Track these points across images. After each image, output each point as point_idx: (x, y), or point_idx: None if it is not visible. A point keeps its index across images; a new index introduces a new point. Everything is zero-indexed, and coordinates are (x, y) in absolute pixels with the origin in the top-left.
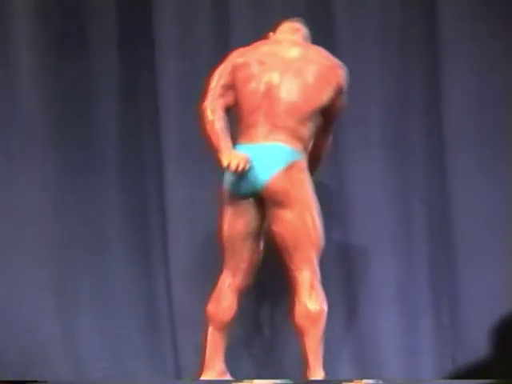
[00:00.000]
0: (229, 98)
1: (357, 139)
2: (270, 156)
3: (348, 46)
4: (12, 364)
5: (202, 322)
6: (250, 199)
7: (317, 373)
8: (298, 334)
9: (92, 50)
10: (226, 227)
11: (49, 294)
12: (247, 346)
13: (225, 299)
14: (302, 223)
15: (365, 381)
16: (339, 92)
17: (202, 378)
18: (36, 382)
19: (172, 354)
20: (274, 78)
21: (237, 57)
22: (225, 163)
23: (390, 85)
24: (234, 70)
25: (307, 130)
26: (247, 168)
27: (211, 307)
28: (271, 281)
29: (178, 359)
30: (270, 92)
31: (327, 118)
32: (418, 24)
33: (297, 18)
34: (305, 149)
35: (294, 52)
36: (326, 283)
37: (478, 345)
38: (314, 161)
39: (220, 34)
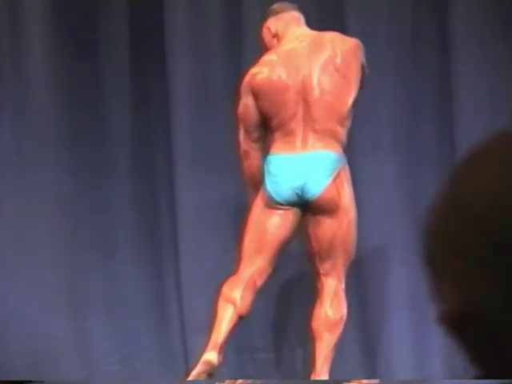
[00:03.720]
0: (262, 131)
1: (368, 142)
2: (317, 167)
3: None
4: (23, 366)
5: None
6: (294, 207)
7: (321, 378)
8: (312, 338)
9: (104, 53)
10: (262, 230)
11: (60, 296)
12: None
13: (246, 291)
14: (341, 230)
15: (365, 381)
16: (363, 67)
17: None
18: (31, 381)
19: (182, 356)
20: (305, 80)
21: (254, 78)
22: None
23: (402, 88)
24: (256, 94)
25: (345, 131)
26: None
27: (230, 292)
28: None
29: (187, 361)
30: (303, 96)
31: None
32: (429, 26)
33: (284, 3)
34: (344, 151)
35: (313, 47)
36: None
37: None
38: None
39: (232, 36)
